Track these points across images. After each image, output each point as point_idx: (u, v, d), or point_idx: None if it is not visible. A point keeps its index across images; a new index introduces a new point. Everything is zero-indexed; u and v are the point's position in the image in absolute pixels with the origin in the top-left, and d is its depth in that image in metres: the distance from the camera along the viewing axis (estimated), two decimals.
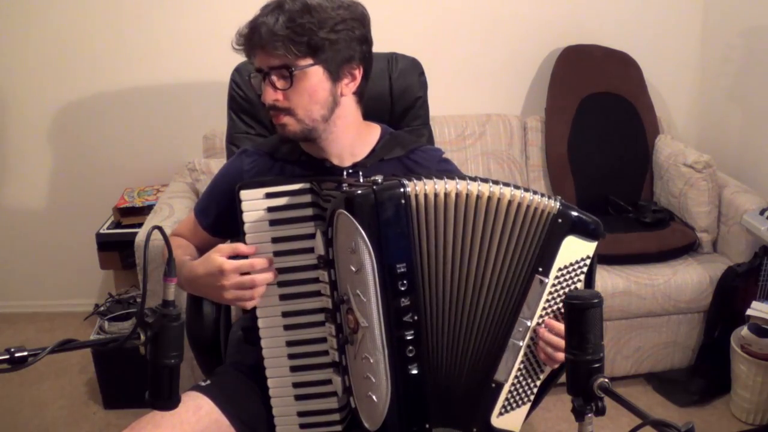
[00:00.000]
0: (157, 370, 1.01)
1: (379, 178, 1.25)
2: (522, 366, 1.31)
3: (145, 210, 2.69)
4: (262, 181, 1.38)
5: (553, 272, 1.27)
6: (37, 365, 0.99)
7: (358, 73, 1.40)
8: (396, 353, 1.25)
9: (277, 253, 1.34)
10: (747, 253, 2.52)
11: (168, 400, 1.03)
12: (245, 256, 1.32)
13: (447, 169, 1.52)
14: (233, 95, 1.81)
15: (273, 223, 1.35)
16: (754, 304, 2.37)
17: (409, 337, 1.25)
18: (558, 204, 1.27)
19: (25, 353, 0.93)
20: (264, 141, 1.64)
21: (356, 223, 1.20)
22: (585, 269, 1.30)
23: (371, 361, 1.25)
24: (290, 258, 1.35)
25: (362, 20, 1.38)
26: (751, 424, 2.38)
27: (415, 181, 1.24)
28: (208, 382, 1.42)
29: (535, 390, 1.35)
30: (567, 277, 1.29)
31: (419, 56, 1.83)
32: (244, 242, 1.35)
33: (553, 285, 1.28)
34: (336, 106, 1.39)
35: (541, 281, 1.27)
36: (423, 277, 1.26)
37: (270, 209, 1.35)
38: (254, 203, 1.35)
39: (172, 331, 1.00)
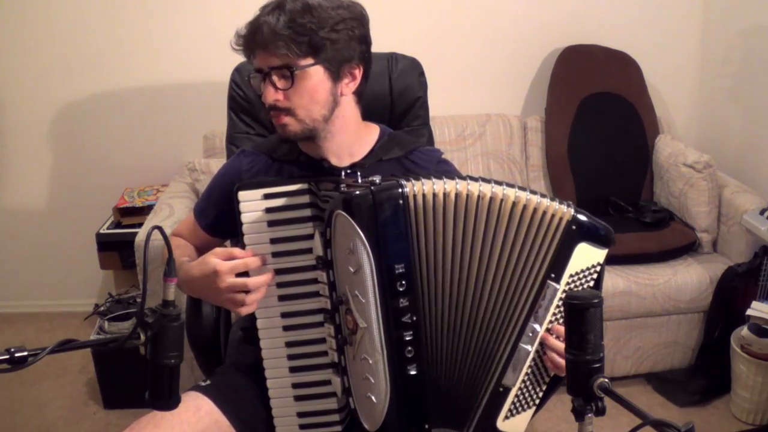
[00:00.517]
0: (157, 370, 1.01)
1: (377, 179, 1.25)
2: (529, 370, 1.31)
3: (145, 210, 2.69)
4: (260, 182, 1.38)
5: (565, 278, 1.27)
6: (37, 365, 0.99)
7: (358, 73, 1.40)
8: (395, 354, 1.25)
9: (275, 254, 1.34)
10: (747, 253, 2.52)
11: (168, 400, 1.03)
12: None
13: (445, 170, 1.52)
14: (233, 95, 1.81)
15: (271, 223, 1.35)
16: (754, 304, 2.37)
17: (407, 338, 1.25)
18: (572, 210, 1.27)
19: (25, 353, 0.93)
20: (263, 141, 1.64)
21: (354, 223, 1.20)
22: (595, 276, 1.30)
23: (370, 361, 1.25)
24: (289, 259, 1.35)
25: (361, 20, 1.38)
26: (751, 424, 2.38)
27: (413, 181, 1.24)
28: (208, 382, 1.42)
29: (540, 394, 1.35)
30: (578, 283, 1.29)
31: (419, 56, 1.83)
32: (243, 243, 1.35)
33: (564, 291, 1.28)
34: (336, 105, 1.39)
35: (553, 287, 1.27)
36: (422, 278, 1.26)
37: (268, 210, 1.35)
38: (252, 204, 1.35)
39: (172, 331, 1.00)
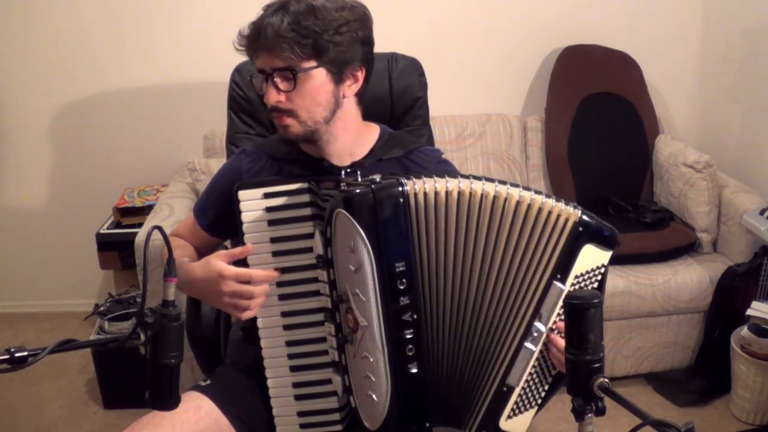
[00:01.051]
0: (157, 370, 1.01)
1: (377, 177, 1.25)
2: (533, 370, 1.31)
3: (145, 210, 2.69)
4: (260, 181, 1.38)
5: (570, 279, 1.27)
6: (37, 365, 0.99)
7: (361, 75, 1.40)
8: (395, 352, 1.25)
9: (275, 253, 1.34)
10: (747, 253, 2.52)
11: (168, 400, 1.03)
12: (245, 261, 1.32)
13: (445, 170, 1.51)
14: (233, 95, 1.81)
15: (271, 223, 1.35)
16: (754, 304, 2.37)
17: (408, 336, 1.25)
18: (579, 212, 1.26)
19: (25, 353, 0.93)
20: (263, 141, 1.64)
21: (355, 222, 1.20)
22: (599, 277, 1.30)
23: (371, 360, 1.25)
24: (289, 258, 1.35)
25: (365, 21, 1.37)
26: (751, 424, 2.38)
27: (414, 180, 1.24)
28: (208, 381, 1.42)
29: (543, 394, 1.34)
30: (583, 284, 1.29)
31: (419, 56, 1.83)
32: (243, 242, 1.35)
33: (569, 292, 1.27)
34: (338, 107, 1.39)
35: (559, 288, 1.27)
36: (422, 276, 1.26)
37: (268, 209, 1.35)
38: (252, 203, 1.35)
39: (172, 331, 1.00)
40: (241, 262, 1.33)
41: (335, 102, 1.38)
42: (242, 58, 1.41)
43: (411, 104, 1.79)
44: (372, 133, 1.51)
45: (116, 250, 2.71)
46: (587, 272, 1.29)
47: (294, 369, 1.37)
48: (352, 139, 1.45)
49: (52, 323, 3.07)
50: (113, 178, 2.96)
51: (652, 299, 2.47)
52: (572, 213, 1.26)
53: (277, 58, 1.32)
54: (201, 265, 1.32)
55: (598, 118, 2.84)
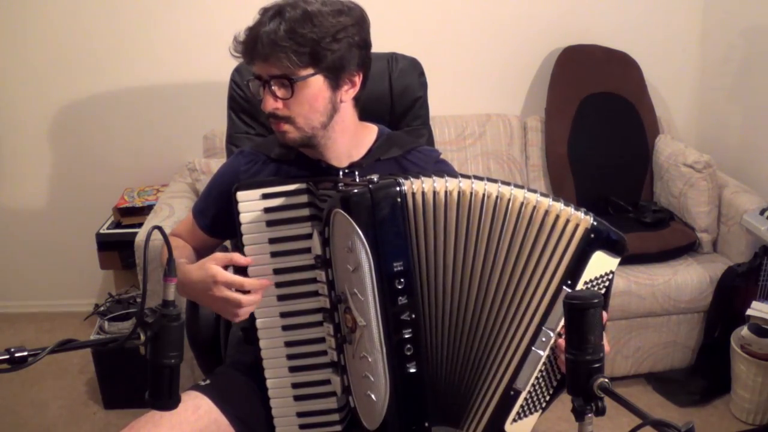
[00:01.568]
0: (157, 370, 1.01)
1: (375, 177, 1.25)
2: (540, 374, 1.31)
3: (145, 210, 2.69)
4: (258, 182, 1.38)
5: (580, 285, 1.27)
6: (37, 365, 0.99)
7: (358, 79, 1.39)
8: (394, 352, 1.25)
9: (274, 254, 1.34)
10: (747, 253, 2.51)
11: (168, 400, 1.03)
12: (243, 267, 1.33)
13: (442, 170, 1.51)
14: (233, 95, 1.81)
15: (270, 223, 1.35)
16: (754, 304, 2.37)
17: (407, 336, 1.24)
18: (591, 218, 1.26)
19: (25, 353, 0.93)
20: (261, 141, 1.64)
21: (353, 222, 1.20)
22: (607, 283, 1.30)
23: (369, 360, 1.25)
24: (287, 258, 1.35)
25: (361, 24, 1.36)
26: (751, 424, 2.38)
27: (412, 179, 1.24)
28: (208, 381, 1.43)
29: (548, 398, 1.35)
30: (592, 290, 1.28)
31: (419, 56, 1.83)
32: (241, 243, 1.35)
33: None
34: (335, 112, 1.38)
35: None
36: (421, 276, 1.26)
37: (267, 210, 1.35)
38: (251, 204, 1.35)
39: (172, 331, 1.00)
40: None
41: (333, 108, 1.37)
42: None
43: (411, 104, 1.79)
44: (370, 133, 1.51)
45: (116, 250, 2.71)
46: (596, 278, 1.28)
47: (293, 369, 1.37)
48: (349, 141, 1.45)
49: (52, 323, 3.07)
50: (113, 178, 2.96)
51: (652, 299, 2.47)
52: (583, 219, 1.25)
53: (273, 67, 1.31)
54: (197, 268, 1.32)
55: (598, 118, 2.84)
